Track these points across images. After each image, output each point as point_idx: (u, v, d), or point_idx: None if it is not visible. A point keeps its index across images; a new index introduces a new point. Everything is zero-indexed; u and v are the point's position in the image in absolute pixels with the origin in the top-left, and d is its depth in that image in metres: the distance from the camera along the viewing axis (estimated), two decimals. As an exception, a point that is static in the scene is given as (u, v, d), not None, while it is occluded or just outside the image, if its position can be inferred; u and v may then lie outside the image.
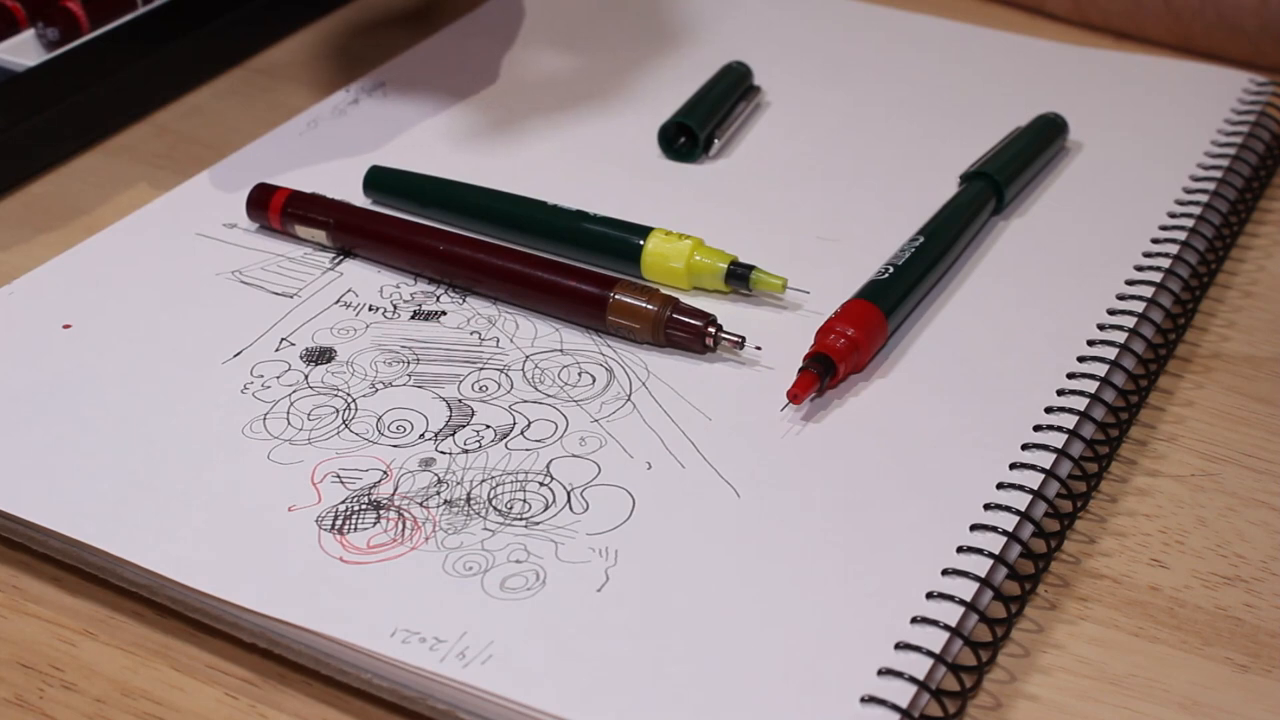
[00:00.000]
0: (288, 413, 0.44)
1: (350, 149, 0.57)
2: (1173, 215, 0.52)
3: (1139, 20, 0.65)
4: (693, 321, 0.46)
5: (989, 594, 0.38)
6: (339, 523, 0.40)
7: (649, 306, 0.46)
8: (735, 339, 0.45)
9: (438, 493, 0.41)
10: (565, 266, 0.48)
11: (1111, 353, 0.45)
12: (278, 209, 0.51)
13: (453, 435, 0.43)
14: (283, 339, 0.47)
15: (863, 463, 0.42)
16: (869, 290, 0.46)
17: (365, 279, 0.50)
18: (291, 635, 0.38)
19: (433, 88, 0.61)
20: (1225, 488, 0.43)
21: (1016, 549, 0.40)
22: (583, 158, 0.56)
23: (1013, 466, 0.41)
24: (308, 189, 0.52)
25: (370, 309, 0.49)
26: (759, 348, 0.46)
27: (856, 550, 0.39)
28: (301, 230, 0.51)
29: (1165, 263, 0.49)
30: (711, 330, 0.45)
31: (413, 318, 0.48)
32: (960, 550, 0.39)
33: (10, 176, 0.57)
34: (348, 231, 0.51)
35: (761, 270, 0.48)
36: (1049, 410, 0.43)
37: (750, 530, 0.40)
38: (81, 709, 0.38)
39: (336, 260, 0.51)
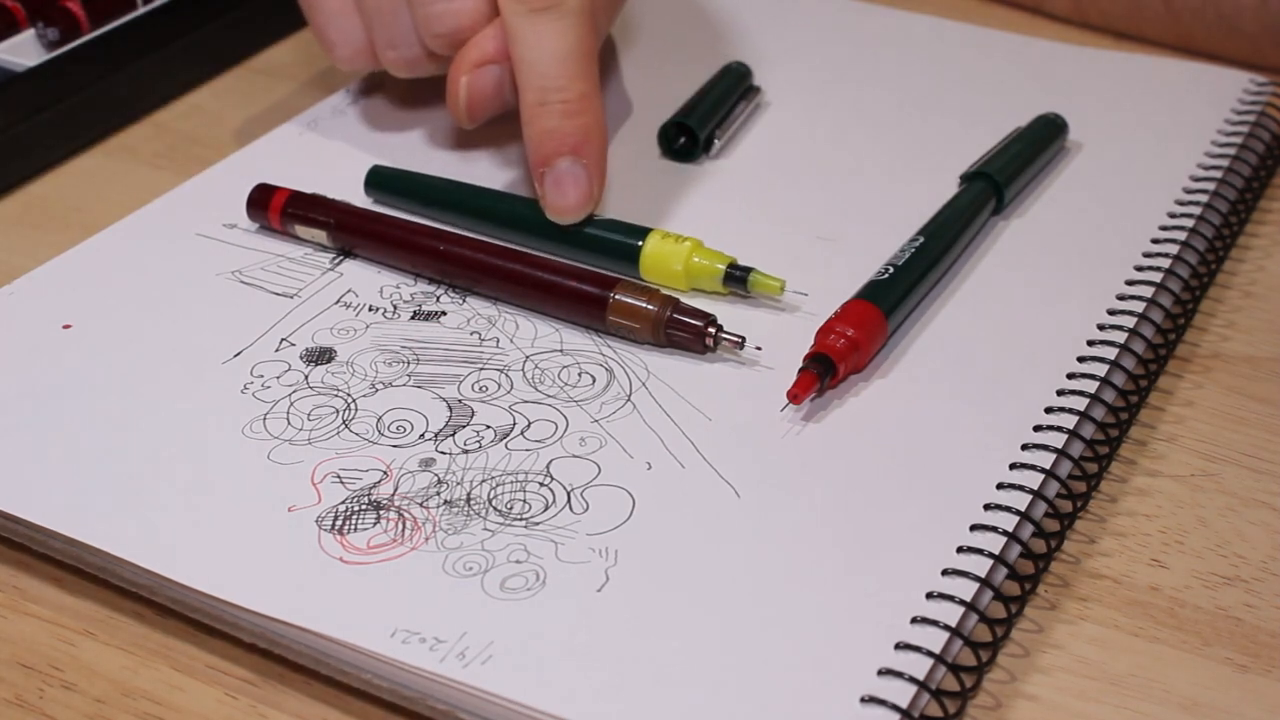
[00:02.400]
0: (288, 413, 0.44)
1: (350, 149, 0.57)
2: (1173, 215, 0.52)
3: (1139, 21, 0.65)
4: (693, 321, 0.46)
5: (989, 594, 0.38)
6: (339, 523, 0.40)
7: (649, 306, 0.46)
8: (735, 339, 0.45)
9: (438, 493, 0.41)
10: (565, 267, 0.48)
11: (1111, 353, 0.45)
12: (278, 209, 0.51)
13: (453, 435, 0.43)
14: (283, 339, 0.47)
15: (863, 463, 0.42)
16: (869, 290, 0.46)
17: (365, 279, 0.50)
18: (291, 635, 0.38)
19: (433, 87, 0.61)
20: (1225, 488, 0.43)
21: (1016, 549, 0.40)
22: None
23: (1013, 466, 0.41)
24: (308, 189, 0.52)
25: (370, 309, 0.49)
26: (759, 348, 0.46)
27: (856, 550, 0.39)
28: (301, 230, 0.51)
29: (1165, 263, 0.49)
30: (712, 330, 0.45)
31: (413, 318, 0.48)
32: (960, 550, 0.39)
33: (10, 176, 0.57)
34: (348, 232, 0.51)
35: (760, 272, 0.48)
36: (1049, 410, 0.43)
37: (750, 530, 0.40)
38: (81, 709, 0.38)
39: (336, 260, 0.51)
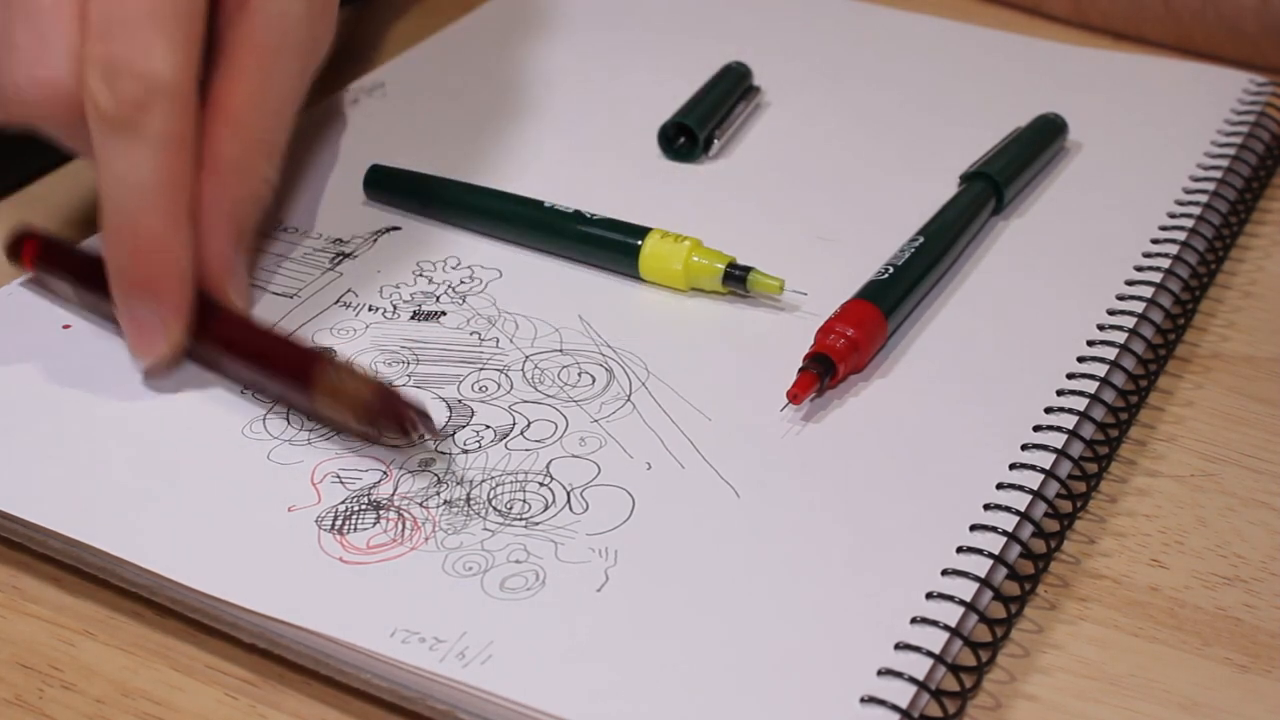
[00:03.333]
0: (288, 413, 0.44)
1: (350, 149, 0.57)
2: (1173, 215, 0.52)
3: (1139, 22, 0.65)
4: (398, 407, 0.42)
5: (989, 594, 0.38)
6: (339, 523, 0.40)
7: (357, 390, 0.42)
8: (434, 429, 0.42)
9: (437, 493, 0.41)
10: (277, 339, 0.45)
11: (1111, 353, 0.46)
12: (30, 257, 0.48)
13: (452, 435, 0.43)
14: (283, 339, 0.47)
15: (863, 463, 0.42)
16: (869, 290, 0.46)
17: (365, 279, 0.50)
18: (291, 635, 0.38)
19: (433, 88, 0.61)
20: (1225, 488, 0.43)
21: (1016, 549, 0.40)
22: (583, 158, 0.56)
23: (1013, 467, 0.41)
24: (307, 189, 0.52)
25: (370, 309, 0.49)
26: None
27: (856, 550, 0.39)
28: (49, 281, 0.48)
29: (1165, 263, 0.49)
30: (416, 418, 0.41)
31: (412, 318, 0.48)
32: (960, 550, 0.39)
33: (10, 176, 0.57)
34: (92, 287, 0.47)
35: (759, 272, 0.48)
36: (1049, 410, 0.43)
37: (750, 530, 0.40)
38: (81, 709, 0.38)
39: (336, 260, 0.51)
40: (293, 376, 0.43)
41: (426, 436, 0.42)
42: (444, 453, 0.43)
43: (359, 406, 0.42)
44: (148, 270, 0.43)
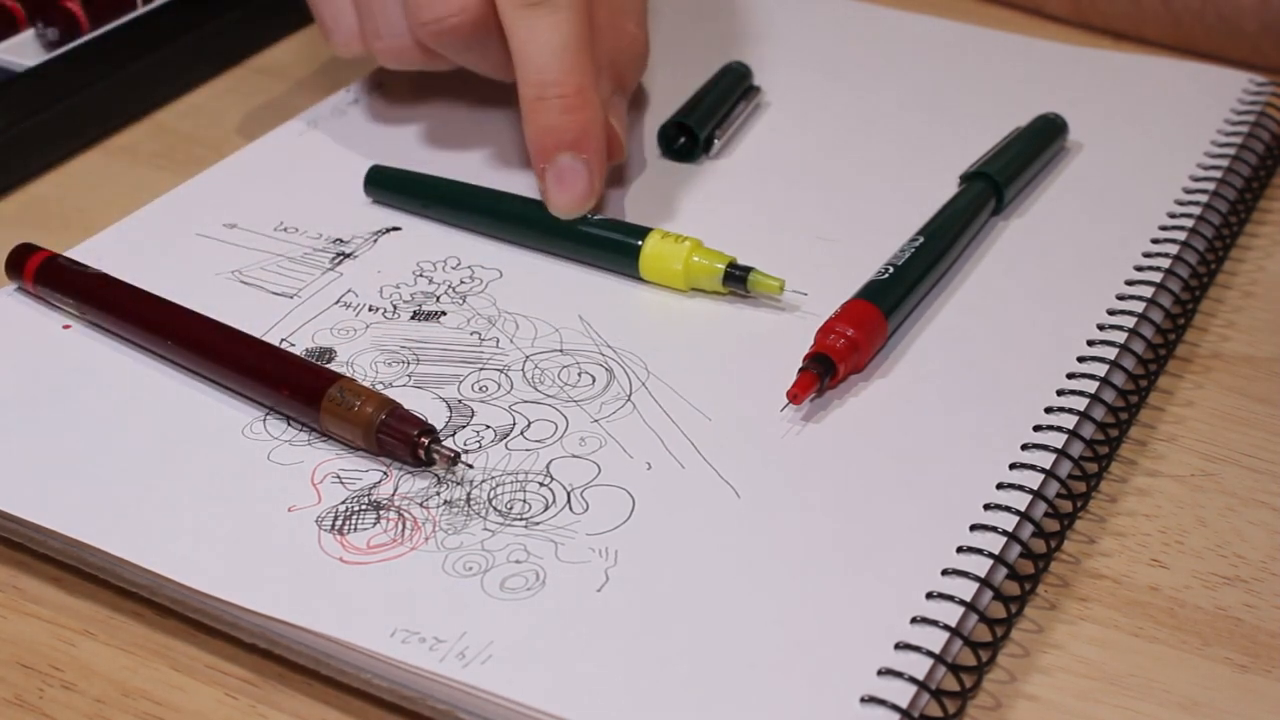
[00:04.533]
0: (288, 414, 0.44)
1: (350, 149, 0.57)
2: (1173, 215, 0.52)
3: (1138, 22, 0.65)
4: (404, 429, 0.42)
5: (989, 594, 0.38)
6: (339, 523, 0.40)
7: (365, 409, 0.42)
8: (449, 453, 0.41)
9: (437, 493, 0.41)
10: (284, 358, 0.45)
11: (1111, 353, 0.46)
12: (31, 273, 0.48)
13: (453, 436, 0.43)
14: (283, 339, 0.47)
15: (863, 463, 0.42)
16: (869, 290, 0.46)
17: (365, 279, 0.50)
18: (291, 635, 0.38)
19: (433, 87, 0.61)
20: (1225, 488, 0.43)
21: (1016, 549, 0.40)
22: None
23: (1013, 466, 0.41)
24: (308, 189, 0.52)
25: (370, 309, 0.49)
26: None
27: (856, 550, 0.39)
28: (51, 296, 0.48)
29: (1165, 263, 0.49)
30: (424, 441, 0.42)
31: (413, 318, 0.48)
32: (960, 550, 0.39)
33: (10, 176, 0.57)
34: (94, 304, 0.47)
35: (759, 272, 0.48)
36: (1049, 410, 0.43)
37: (750, 530, 0.40)
38: (81, 709, 0.38)
39: (336, 260, 0.51)
40: (301, 399, 0.43)
41: (436, 460, 0.42)
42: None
43: (367, 429, 0.42)
44: (577, 122, 0.49)
